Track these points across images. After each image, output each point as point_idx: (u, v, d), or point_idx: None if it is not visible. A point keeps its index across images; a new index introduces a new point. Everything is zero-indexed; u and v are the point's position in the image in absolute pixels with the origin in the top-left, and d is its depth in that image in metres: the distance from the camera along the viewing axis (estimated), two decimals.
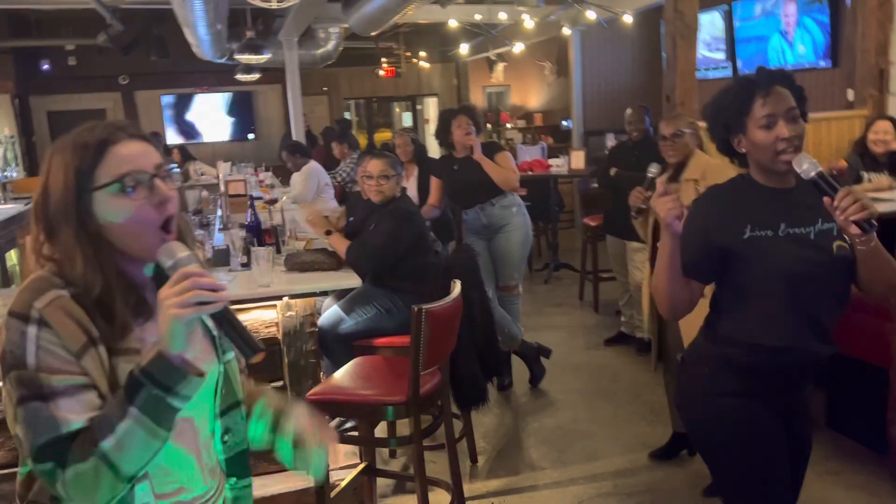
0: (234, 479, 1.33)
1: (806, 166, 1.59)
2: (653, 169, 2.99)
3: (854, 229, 1.51)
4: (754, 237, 1.68)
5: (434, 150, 14.05)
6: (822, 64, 6.94)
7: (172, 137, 12.03)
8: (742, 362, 1.76)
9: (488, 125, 12.82)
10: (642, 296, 3.20)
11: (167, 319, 1.03)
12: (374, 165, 3.29)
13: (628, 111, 5.23)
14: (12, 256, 5.47)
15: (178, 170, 8.39)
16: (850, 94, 5.12)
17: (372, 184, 3.29)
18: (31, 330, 1.05)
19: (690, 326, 2.86)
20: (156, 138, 9.72)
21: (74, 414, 1.04)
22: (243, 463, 1.33)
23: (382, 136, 14.09)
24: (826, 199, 1.54)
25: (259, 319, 3.07)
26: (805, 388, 1.86)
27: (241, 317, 2.76)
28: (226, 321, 1.07)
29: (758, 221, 1.69)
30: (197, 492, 1.23)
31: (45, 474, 1.04)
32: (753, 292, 1.73)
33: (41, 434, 1.03)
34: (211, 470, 1.27)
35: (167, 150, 9.57)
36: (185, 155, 9.73)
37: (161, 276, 1.13)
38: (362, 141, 13.09)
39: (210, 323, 1.15)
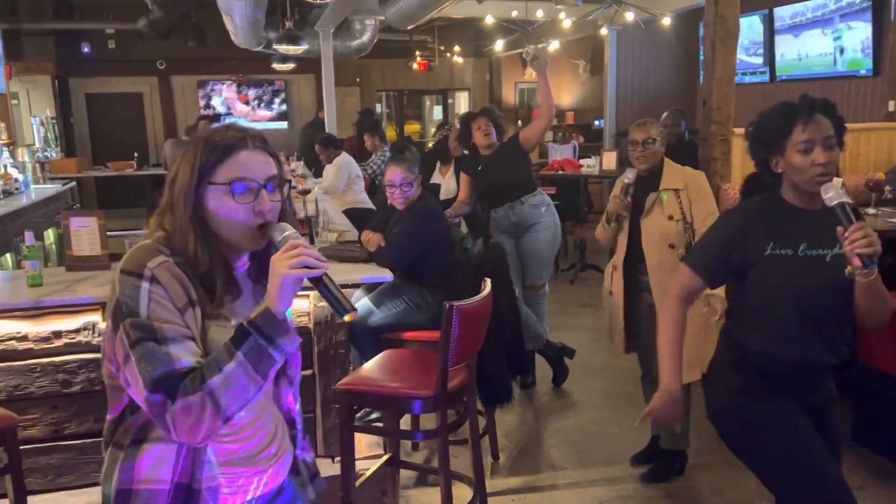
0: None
1: (830, 195, 1.72)
2: (630, 175, 2.98)
3: (857, 261, 1.64)
4: (775, 255, 1.83)
5: None
6: (863, 73, 6.83)
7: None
8: (758, 365, 1.90)
9: (519, 122, 12.79)
10: (613, 307, 3.18)
11: (278, 278, 1.20)
12: (394, 173, 3.30)
13: (664, 114, 5.22)
14: (49, 236, 5.58)
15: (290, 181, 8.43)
16: (892, 105, 5.04)
17: (396, 192, 3.32)
18: (145, 285, 1.22)
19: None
20: (206, 119, 9.86)
21: (185, 355, 1.20)
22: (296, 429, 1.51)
23: (412, 128, 14.13)
24: (840, 229, 1.67)
25: (290, 309, 3.11)
26: (822, 387, 1.94)
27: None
28: (324, 284, 1.24)
29: (780, 239, 1.84)
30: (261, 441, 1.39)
31: (155, 406, 1.17)
32: (768, 306, 1.87)
33: (157, 368, 1.17)
34: (276, 429, 1.43)
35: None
36: None
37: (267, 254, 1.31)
38: (391, 134, 13.13)
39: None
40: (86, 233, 3.08)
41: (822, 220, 1.81)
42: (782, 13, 7.89)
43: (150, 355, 1.18)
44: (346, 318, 1.25)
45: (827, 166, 1.78)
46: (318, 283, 1.24)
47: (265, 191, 1.29)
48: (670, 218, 2.93)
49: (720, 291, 2.75)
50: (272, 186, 1.31)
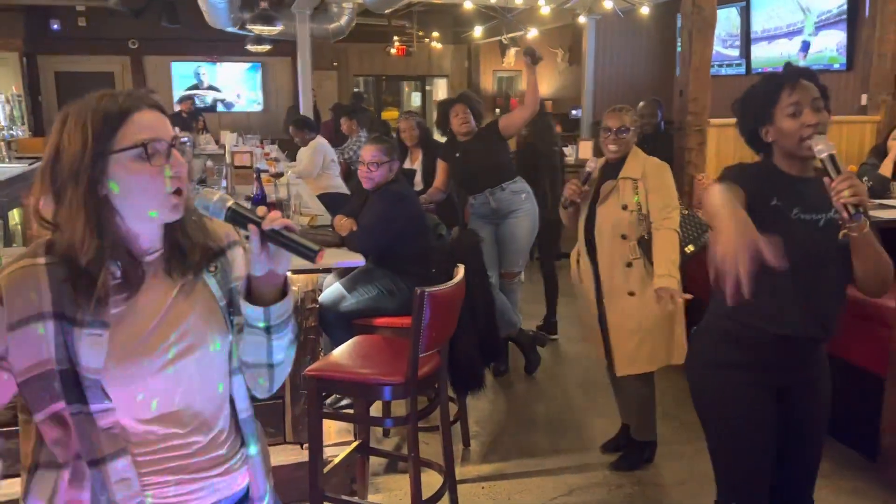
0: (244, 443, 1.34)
1: (820, 147, 1.71)
2: (591, 164, 2.96)
3: (844, 213, 1.63)
4: (766, 215, 1.76)
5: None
6: (837, 66, 6.90)
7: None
8: (740, 337, 1.89)
9: (497, 110, 12.75)
10: (584, 296, 3.16)
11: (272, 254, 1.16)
12: (367, 152, 3.27)
13: (641, 104, 5.21)
14: (15, 216, 5.46)
15: (187, 141, 8.34)
16: (864, 99, 5.09)
17: (363, 170, 3.28)
18: None
19: (621, 337, 2.94)
20: (188, 100, 9.70)
21: None
22: (248, 428, 1.33)
23: (389, 114, 14.03)
24: (826, 179, 1.66)
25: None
26: (807, 366, 1.93)
27: None
28: (283, 236, 1.16)
29: (772, 203, 1.81)
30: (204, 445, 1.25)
31: None
32: (760, 274, 1.77)
33: None
34: (221, 430, 1.28)
35: (196, 114, 9.53)
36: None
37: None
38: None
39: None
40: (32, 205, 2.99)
41: (814, 185, 1.80)
42: (755, 27, 7.95)
43: None
44: (317, 259, 1.16)
45: (817, 127, 1.76)
46: (278, 237, 1.16)
47: (174, 151, 1.17)
48: (624, 207, 2.89)
49: (672, 284, 2.73)
50: (179, 148, 1.18)
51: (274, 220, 1.15)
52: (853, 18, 6.67)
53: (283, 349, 1.28)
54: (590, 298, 3.09)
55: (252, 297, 1.22)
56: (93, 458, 1.12)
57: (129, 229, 1.17)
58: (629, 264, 2.89)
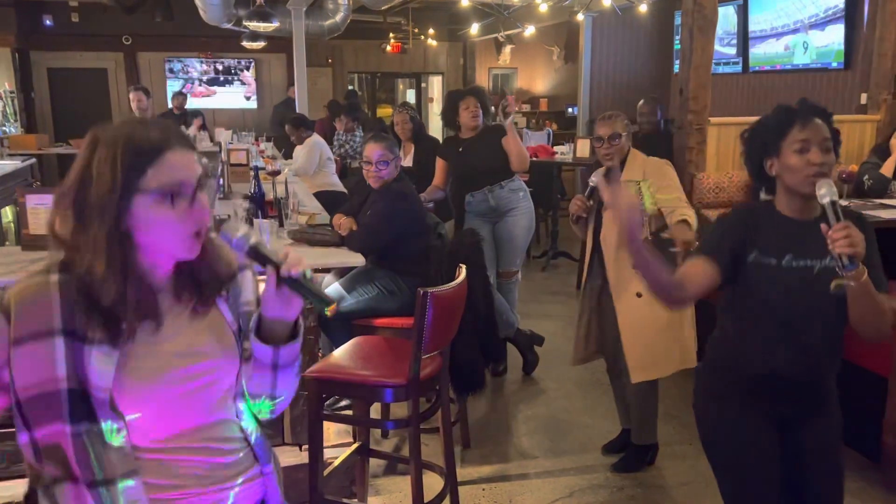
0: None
1: (824, 191, 1.69)
2: (594, 178, 2.95)
3: (839, 262, 1.61)
4: (757, 263, 1.80)
5: (435, 128, 13.94)
6: (835, 65, 6.89)
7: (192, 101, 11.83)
8: (734, 368, 1.90)
9: (492, 108, 12.72)
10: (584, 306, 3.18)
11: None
12: (372, 150, 3.23)
13: (640, 103, 5.19)
14: (7, 213, 5.40)
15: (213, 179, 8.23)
16: (864, 98, 5.07)
17: (371, 169, 3.24)
18: None
19: (632, 341, 2.93)
20: (181, 96, 9.62)
21: None
22: (259, 448, 1.33)
23: (384, 111, 13.97)
24: (823, 226, 1.64)
25: (259, 293, 3.03)
26: (810, 400, 1.90)
27: None
28: (300, 285, 1.18)
29: (765, 248, 1.80)
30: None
31: None
32: (749, 315, 1.86)
33: None
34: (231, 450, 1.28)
35: (186, 116, 9.47)
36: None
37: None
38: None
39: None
40: (43, 210, 2.95)
41: (814, 231, 1.74)
42: (757, 3, 7.92)
43: None
44: (329, 311, 1.18)
45: (822, 167, 1.74)
46: (298, 285, 1.18)
47: (199, 194, 1.16)
48: None
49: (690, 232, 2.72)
50: (202, 187, 1.18)
51: (293, 265, 1.16)
52: (851, 17, 6.66)
53: (287, 385, 1.30)
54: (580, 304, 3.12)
55: (262, 333, 1.23)
56: (103, 479, 1.10)
57: (146, 262, 1.17)
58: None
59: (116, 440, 1.11)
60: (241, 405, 1.30)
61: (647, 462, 3.17)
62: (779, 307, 1.79)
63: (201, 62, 12.21)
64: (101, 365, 1.10)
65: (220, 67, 12.38)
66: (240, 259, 1.30)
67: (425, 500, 2.52)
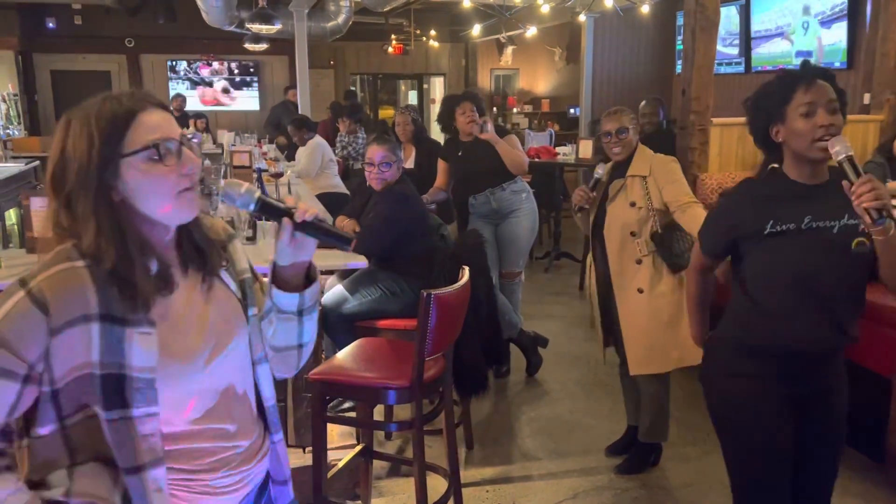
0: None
1: (838, 148, 1.63)
2: (599, 170, 2.95)
3: (867, 217, 1.56)
4: (775, 232, 1.76)
5: (436, 129, 13.95)
6: (838, 65, 6.88)
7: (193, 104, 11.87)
8: (755, 348, 1.86)
9: (494, 108, 12.72)
10: (590, 293, 3.17)
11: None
12: (375, 152, 3.23)
13: (642, 103, 5.19)
14: (12, 216, 5.40)
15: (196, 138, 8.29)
16: (867, 98, 5.06)
17: (374, 171, 3.24)
18: (15, 297, 1.06)
19: (633, 335, 2.94)
20: (180, 98, 9.65)
21: None
22: (273, 415, 1.36)
23: (386, 112, 13.98)
24: (845, 183, 1.59)
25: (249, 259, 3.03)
26: (824, 376, 1.88)
27: None
28: (317, 227, 1.19)
29: (781, 216, 1.76)
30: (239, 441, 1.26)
31: None
32: (768, 288, 1.81)
33: None
34: (252, 421, 1.30)
35: (187, 118, 9.50)
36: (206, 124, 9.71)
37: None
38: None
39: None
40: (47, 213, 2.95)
41: (827, 192, 1.73)
42: (759, 3, 7.92)
43: None
44: (350, 247, 1.22)
45: (830, 129, 1.69)
46: (314, 228, 1.18)
47: (185, 150, 1.14)
48: (632, 205, 2.88)
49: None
50: (188, 145, 1.16)
51: (305, 211, 1.17)
52: (854, 17, 6.66)
53: (313, 329, 1.32)
54: (594, 301, 3.10)
55: (279, 283, 1.25)
56: (132, 466, 1.09)
57: (148, 231, 1.15)
58: (639, 261, 2.89)
59: (148, 427, 1.10)
60: (261, 372, 1.31)
61: (651, 463, 3.16)
62: (802, 270, 1.74)
63: (208, 63, 12.23)
64: (142, 346, 1.09)
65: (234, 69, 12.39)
66: (226, 229, 1.30)
67: (429, 502, 2.52)
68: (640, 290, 2.89)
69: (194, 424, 1.18)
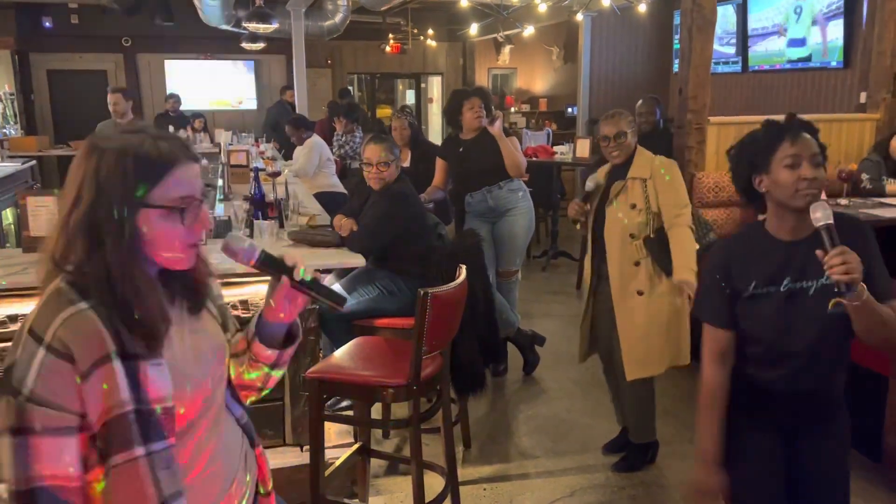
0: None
1: (819, 214, 1.64)
2: (590, 183, 2.96)
3: (837, 287, 1.59)
4: (757, 294, 1.79)
5: (434, 128, 13.90)
6: (834, 64, 6.89)
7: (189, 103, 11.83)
8: (739, 378, 1.88)
9: (493, 108, 12.70)
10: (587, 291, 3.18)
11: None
12: (373, 152, 3.21)
13: (639, 102, 5.19)
14: (8, 215, 5.40)
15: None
16: (863, 97, 5.07)
17: (373, 171, 3.23)
18: (41, 353, 1.05)
19: (631, 338, 2.95)
20: (174, 98, 9.62)
21: (50, 463, 1.04)
22: (250, 430, 1.38)
23: (383, 112, 13.98)
24: (819, 252, 1.61)
25: (259, 294, 3.03)
26: (812, 415, 1.88)
27: (242, 290, 2.73)
28: (314, 287, 1.21)
29: (763, 277, 1.79)
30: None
31: None
32: (752, 339, 1.84)
33: (15, 480, 1.04)
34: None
35: (186, 120, 9.49)
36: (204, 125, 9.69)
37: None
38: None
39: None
40: (44, 213, 2.96)
41: (808, 249, 1.73)
42: (756, 2, 7.92)
43: (13, 456, 1.04)
44: (342, 307, 1.24)
45: (814, 182, 1.72)
46: (311, 286, 1.21)
47: (204, 206, 1.18)
48: (633, 207, 2.90)
49: (691, 277, 2.74)
50: (204, 199, 1.19)
51: (307, 271, 1.19)
52: (850, 16, 6.67)
53: (277, 379, 1.36)
54: (585, 301, 3.13)
55: (263, 336, 1.28)
56: (162, 499, 1.10)
57: (152, 271, 1.18)
58: (637, 263, 2.89)
59: (166, 459, 1.11)
60: (229, 392, 1.33)
61: (648, 461, 3.17)
62: (781, 330, 1.78)
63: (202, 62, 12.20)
64: (157, 376, 1.10)
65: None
66: (247, 260, 1.27)
67: (426, 501, 2.52)
68: (640, 293, 2.90)
69: (199, 457, 1.20)
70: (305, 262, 1.19)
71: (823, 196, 1.82)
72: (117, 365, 1.07)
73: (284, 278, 1.18)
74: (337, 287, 3.24)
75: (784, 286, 1.77)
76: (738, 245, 1.87)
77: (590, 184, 2.96)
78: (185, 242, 1.15)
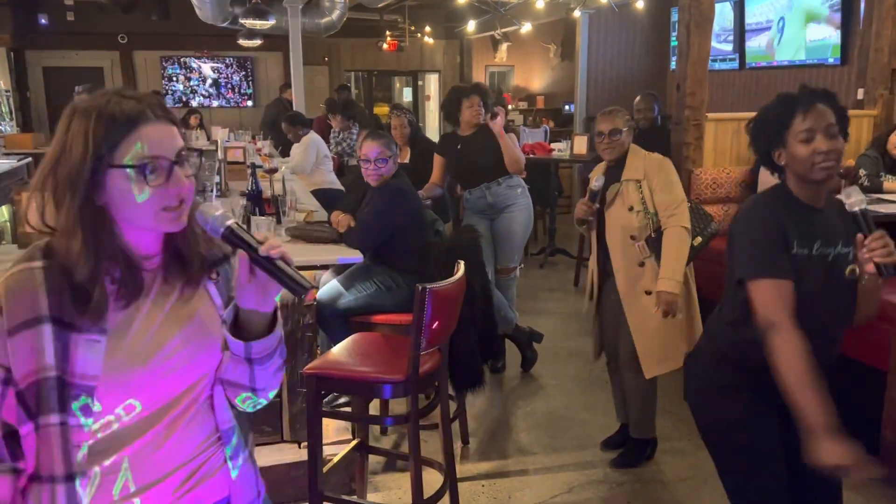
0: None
1: (853, 200, 1.66)
2: (596, 182, 2.94)
3: (871, 268, 1.62)
4: (797, 254, 1.76)
5: (432, 125, 13.88)
6: (832, 61, 6.89)
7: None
8: (741, 360, 1.85)
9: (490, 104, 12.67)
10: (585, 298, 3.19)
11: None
12: (370, 148, 3.20)
13: (637, 99, 5.19)
14: (4, 212, 5.38)
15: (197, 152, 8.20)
16: (860, 94, 5.08)
17: (370, 167, 3.22)
18: None
19: (646, 338, 2.94)
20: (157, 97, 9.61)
21: None
22: (228, 438, 1.29)
23: (381, 109, 13.96)
24: (860, 236, 1.64)
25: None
26: None
27: None
28: (275, 266, 1.10)
29: (800, 238, 1.76)
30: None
31: None
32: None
33: None
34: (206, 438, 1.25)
35: (187, 114, 9.46)
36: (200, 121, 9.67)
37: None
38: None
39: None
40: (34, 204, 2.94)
41: (826, 217, 1.77)
42: (749, 20, 7.93)
43: None
44: (306, 297, 1.14)
45: (830, 154, 1.72)
46: (273, 266, 1.10)
47: (176, 168, 1.11)
48: (630, 209, 2.89)
49: (673, 288, 2.75)
50: (182, 162, 1.12)
51: (272, 247, 1.10)
52: (847, 13, 6.67)
53: (266, 378, 1.24)
54: (591, 303, 3.13)
55: (239, 325, 1.18)
56: (69, 473, 1.09)
57: (127, 238, 1.14)
58: (641, 264, 2.89)
59: (79, 436, 1.09)
60: (217, 392, 1.25)
61: (646, 457, 3.17)
62: (810, 297, 1.75)
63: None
64: (88, 353, 1.08)
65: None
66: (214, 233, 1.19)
67: (425, 497, 2.52)
68: (648, 293, 2.90)
69: (140, 429, 1.15)
70: (282, 248, 1.11)
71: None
72: (46, 329, 1.06)
73: (242, 253, 1.11)
74: (332, 285, 3.22)
75: (815, 250, 1.76)
76: (777, 203, 1.81)
77: (597, 183, 2.94)
78: (154, 205, 1.09)
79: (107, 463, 1.12)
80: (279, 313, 1.19)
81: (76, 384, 1.07)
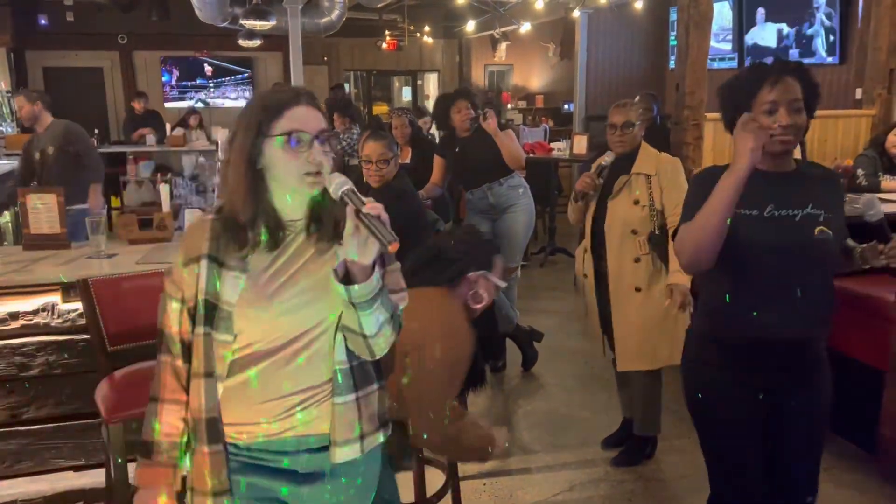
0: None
1: (875, 210, 1.80)
2: (607, 157, 2.96)
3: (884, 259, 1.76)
4: (738, 215, 1.77)
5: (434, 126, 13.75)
6: (830, 60, 6.91)
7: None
8: (720, 337, 1.89)
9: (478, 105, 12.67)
10: (587, 289, 3.17)
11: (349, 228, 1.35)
12: (372, 149, 3.20)
13: (636, 98, 5.20)
14: (5, 213, 5.38)
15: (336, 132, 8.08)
16: (859, 93, 5.10)
17: (372, 168, 3.23)
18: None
19: (624, 332, 2.97)
20: (142, 97, 9.62)
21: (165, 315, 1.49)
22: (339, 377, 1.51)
23: (380, 109, 13.97)
24: (880, 246, 1.74)
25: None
26: (799, 370, 1.89)
27: None
28: (369, 219, 1.32)
29: (745, 201, 1.76)
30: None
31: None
32: (739, 272, 1.82)
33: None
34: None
35: (186, 114, 9.47)
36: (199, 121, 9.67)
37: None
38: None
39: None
40: (44, 210, 2.96)
41: (789, 182, 1.80)
42: (748, 20, 7.95)
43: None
44: (391, 247, 1.31)
45: (788, 129, 1.74)
46: (367, 219, 1.32)
47: (316, 142, 1.41)
48: (636, 203, 2.90)
49: (685, 281, 2.75)
50: (322, 139, 1.41)
51: (373, 208, 1.33)
52: (846, 12, 6.69)
53: (372, 324, 1.40)
54: (591, 295, 3.10)
55: (349, 277, 1.38)
56: (209, 371, 1.42)
57: (277, 200, 1.43)
58: (637, 260, 2.90)
59: (221, 350, 1.42)
60: (342, 341, 1.46)
61: (647, 456, 3.19)
62: (766, 258, 1.79)
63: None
64: (230, 285, 1.41)
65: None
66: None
67: (427, 496, 2.54)
68: (638, 289, 2.91)
69: (269, 354, 1.43)
70: (378, 206, 1.33)
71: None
72: (204, 263, 1.42)
73: (351, 208, 1.32)
74: None
75: (767, 212, 1.80)
76: (721, 171, 1.82)
77: (607, 158, 2.95)
78: (296, 167, 1.39)
79: (241, 375, 1.43)
80: (377, 267, 1.37)
81: (221, 308, 1.41)
